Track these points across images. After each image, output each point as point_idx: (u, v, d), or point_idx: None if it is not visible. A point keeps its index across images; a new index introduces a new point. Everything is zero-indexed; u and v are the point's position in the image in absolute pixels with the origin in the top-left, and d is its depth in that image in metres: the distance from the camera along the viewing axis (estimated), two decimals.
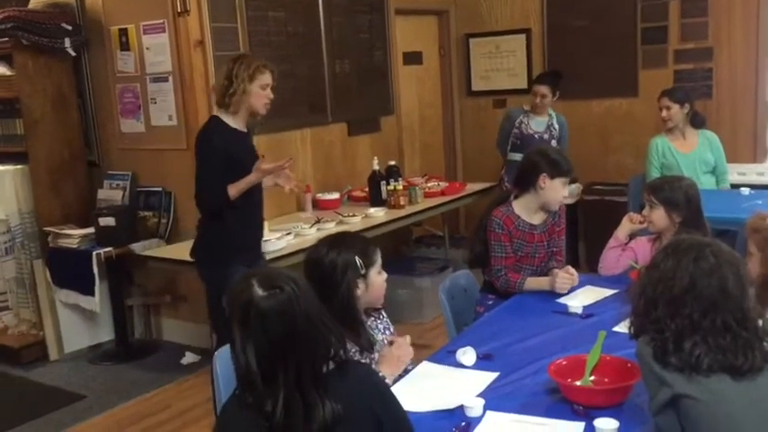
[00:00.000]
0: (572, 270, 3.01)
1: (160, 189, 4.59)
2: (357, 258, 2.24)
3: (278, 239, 3.78)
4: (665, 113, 4.61)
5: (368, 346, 2.27)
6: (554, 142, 4.93)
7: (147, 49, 4.44)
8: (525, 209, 3.11)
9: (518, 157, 4.95)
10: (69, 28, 4.56)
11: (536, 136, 4.95)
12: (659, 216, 2.87)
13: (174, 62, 4.32)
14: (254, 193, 3.29)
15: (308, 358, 1.55)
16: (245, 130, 3.29)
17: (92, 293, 4.34)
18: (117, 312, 4.61)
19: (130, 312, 4.78)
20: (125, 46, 4.55)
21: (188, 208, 4.49)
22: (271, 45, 4.59)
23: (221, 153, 3.14)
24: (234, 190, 3.14)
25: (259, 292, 1.55)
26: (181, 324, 4.72)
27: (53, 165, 4.60)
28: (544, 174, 3.04)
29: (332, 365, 1.60)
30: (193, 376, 4.19)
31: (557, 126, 4.99)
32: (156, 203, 4.60)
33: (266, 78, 3.20)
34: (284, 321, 1.53)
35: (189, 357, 4.41)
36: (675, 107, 4.58)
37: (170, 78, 4.37)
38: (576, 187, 5.09)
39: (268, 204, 4.53)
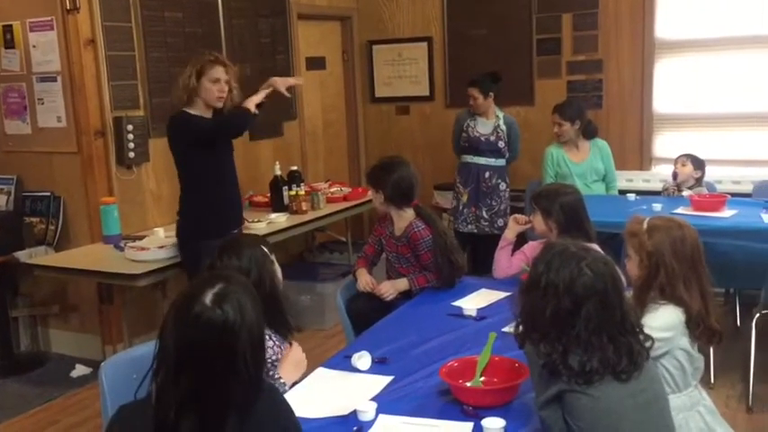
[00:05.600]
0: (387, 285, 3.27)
1: (48, 194, 4.37)
2: (263, 248, 2.32)
3: (172, 246, 3.67)
4: (557, 129, 4.80)
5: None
6: (501, 143, 4.99)
7: (34, 47, 4.23)
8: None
9: (469, 159, 5.06)
10: None
11: (482, 138, 4.98)
12: (538, 221, 2.98)
13: (64, 61, 4.14)
14: (226, 172, 3.49)
15: (210, 386, 1.49)
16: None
17: None
18: (0, 324, 4.34)
19: (15, 324, 4.52)
20: (9, 43, 4.31)
21: (79, 213, 4.32)
22: (167, 46, 4.46)
23: (199, 121, 3.37)
24: (251, 104, 3.38)
25: (207, 299, 1.51)
26: (71, 335, 4.51)
27: None
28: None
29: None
30: (84, 389, 4.01)
31: (504, 127, 5.02)
32: (43, 209, 4.37)
33: (217, 73, 3.35)
34: (203, 340, 1.49)
35: (79, 370, 4.23)
36: (567, 124, 4.77)
37: (59, 78, 4.18)
38: None
39: (166, 209, 4.45)
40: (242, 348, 1.51)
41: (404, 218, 3.29)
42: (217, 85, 3.36)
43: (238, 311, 1.51)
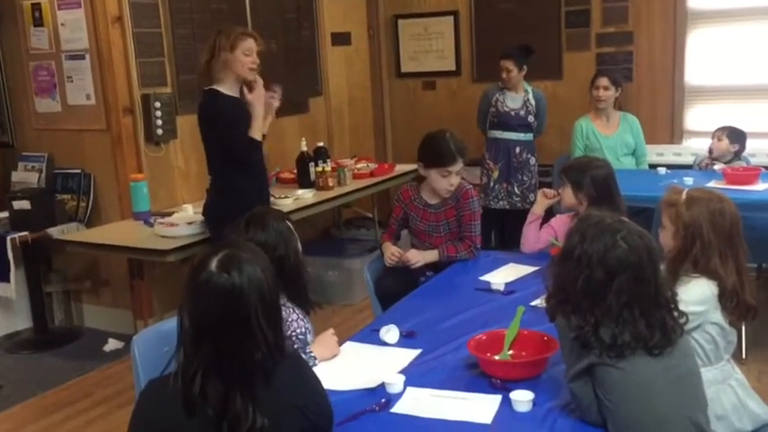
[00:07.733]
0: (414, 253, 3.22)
1: (79, 171, 4.43)
2: (288, 223, 2.31)
3: (200, 222, 3.69)
4: (602, 93, 4.70)
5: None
6: (531, 118, 4.93)
7: (62, 24, 4.26)
8: (427, 189, 3.28)
9: (498, 134, 5.00)
10: None
11: (512, 113, 4.92)
12: (568, 194, 2.95)
13: (92, 39, 4.16)
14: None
15: (229, 352, 1.51)
16: (239, 96, 3.43)
17: (7, 280, 4.16)
18: (35, 299, 4.44)
19: (49, 299, 4.61)
20: (38, 21, 4.35)
21: (109, 190, 4.37)
22: (193, 22, 4.46)
23: (224, 116, 3.32)
24: (255, 132, 3.34)
25: (212, 266, 1.52)
26: (103, 310, 4.59)
27: None
28: (421, 162, 3.19)
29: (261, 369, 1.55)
30: (116, 363, 4.09)
31: (533, 101, 4.94)
32: (74, 186, 4.44)
33: (248, 44, 3.37)
34: (214, 307, 1.51)
35: (112, 344, 4.30)
36: (612, 89, 4.71)
37: (87, 56, 4.21)
38: None
39: (194, 186, 4.48)
40: (253, 311, 1.52)
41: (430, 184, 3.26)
42: (250, 57, 3.38)
43: (245, 275, 1.53)
